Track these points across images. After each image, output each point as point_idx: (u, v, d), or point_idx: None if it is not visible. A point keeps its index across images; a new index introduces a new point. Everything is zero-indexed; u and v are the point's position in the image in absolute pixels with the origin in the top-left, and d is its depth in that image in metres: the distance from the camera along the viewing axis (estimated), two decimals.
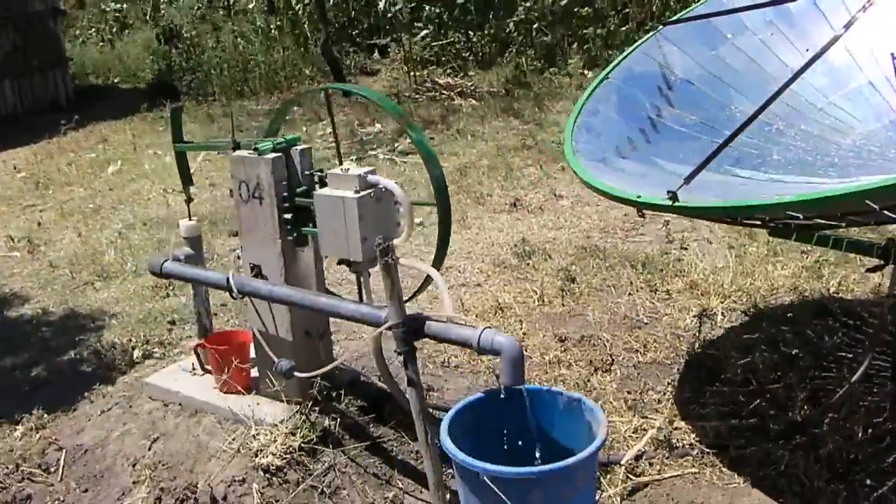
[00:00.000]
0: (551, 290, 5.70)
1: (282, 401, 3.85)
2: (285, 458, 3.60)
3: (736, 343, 4.85)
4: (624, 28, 11.65)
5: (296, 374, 3.60)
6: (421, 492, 3.67)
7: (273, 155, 3.61)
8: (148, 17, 15.23)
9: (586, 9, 11.97)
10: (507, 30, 12.17)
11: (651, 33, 4.85)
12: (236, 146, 3.74)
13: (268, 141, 3.66)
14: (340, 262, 3.68)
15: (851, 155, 4.22)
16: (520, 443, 3.16)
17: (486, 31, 12.49)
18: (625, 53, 4.80)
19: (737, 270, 5.75)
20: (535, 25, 11.96)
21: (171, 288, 6.04)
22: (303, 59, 12.97)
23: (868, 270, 4.10)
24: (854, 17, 3.52)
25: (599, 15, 12.10)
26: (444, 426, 3.06)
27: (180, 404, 4.08)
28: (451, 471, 3.36)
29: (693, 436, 4.02)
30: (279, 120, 4.17)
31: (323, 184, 3.66)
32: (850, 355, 4.58)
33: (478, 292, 5.82)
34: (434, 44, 12.47)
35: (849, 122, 4.39)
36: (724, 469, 3.81)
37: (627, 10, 11.96)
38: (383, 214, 3.52)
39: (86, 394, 4.51)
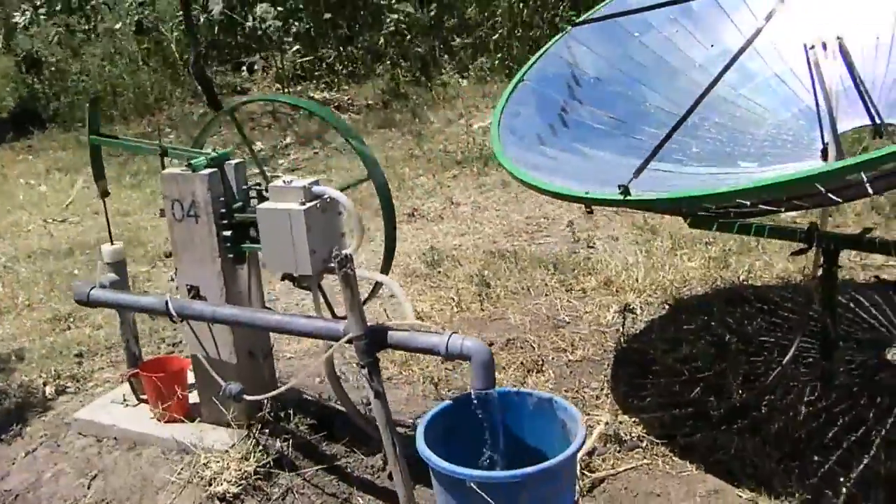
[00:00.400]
0: (468, 296, 5.70)
1: (227, 426, 3.70)
2: (240, 485, 3.45)
3: (661, 335, 4.95)
4: (495, 37, 11.81)
5: (245, 397, 3.46)
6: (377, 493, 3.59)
7: (208, 171, 3.47)
8: (2, 46, 14.52)
9: (454, 20, 12.11)
10: (379, 42, 12.16)
11: (560, 34, 4.91)
12: (164, 152, 3.58)
13: (201, 156, 3.51)
14: (284, 278, 3.56)
15: (767, 144, 4.37)
16: (492, 446, 3.11)
17: (357, 45, 12.45)
18: (537, 55, 4.83)
19: (647, 265, 5.87)
20: (407, 37, 11.99)
21: (71, 320, 5.75)
22: (172, 80, 12.62)
23: (793, 254, 4.24)
24: (773, 11, 3.63)
25: (467, 24, 12.24)
26: (419, 437, 2.99)
27: (116, 438, 3.86)
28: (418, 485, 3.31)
29: (640, 428, 4.07)
30: (205, 135, 4.01)
31: (261, 198, 3.54)
32: (772, 339, 4.75)
33: (394, 303, 5.75)
34: (304, 59, 12.35)
35: (760, 112, 4.55)
36: (675, 458, 3.86)
37: (497, 19, 12.12)
38: (329, 225, 3.43)
39: (2, 437, 4.23)
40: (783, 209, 3.27)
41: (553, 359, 4.85)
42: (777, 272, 5.62)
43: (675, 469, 3.81)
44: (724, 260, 5.88)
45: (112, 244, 3.93)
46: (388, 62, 12.07)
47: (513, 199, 7.63)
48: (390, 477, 3.38)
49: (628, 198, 3.24)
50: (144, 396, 3.96)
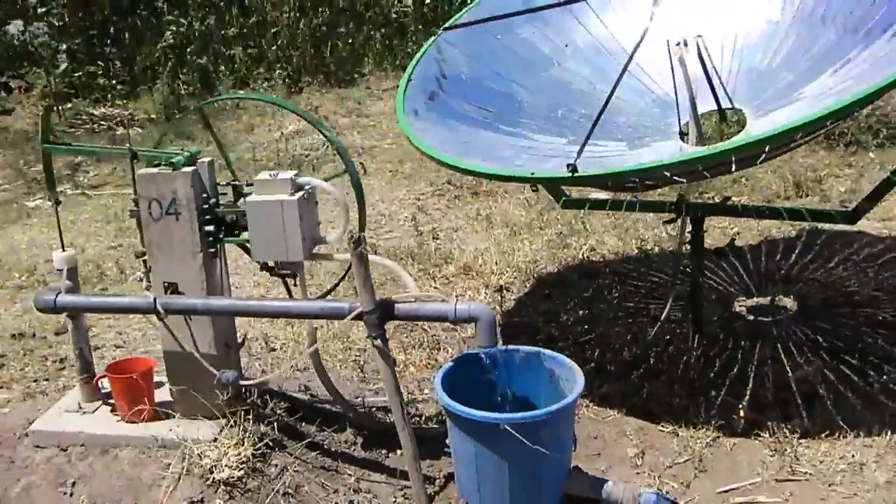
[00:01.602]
0: (340, 292, 5.97)
1: (208, 418, 3.81)
2: (241, 468, 3.59)
3: (537, 309, 5.48)
4: (274, 47, 12.05)
5: (241, 382, 3.62)
6: (369, 474, 3.86)
7: (189, 168, 3.59)
8: None
9: (232, 29, 12.22)
10: (157, 55, 12.00)
11: (433, 38, 5.33)
12: (134, 155, 3.66)
13: (178, 154, 3.62)
14: (263, 268, 3.75)
15: (630, 130, 5.03)
16: (496, 396, 3.50)
17: (133, 59, 12.21)
18: (417, 57, 5.22)
19: (498, 251, 6.41)
20: (188, 49, 11.93)
21: None
22: None
23: (665, 223, 4.92)
24: (653, 12, 4.27)
25: (245, 36, 12.41)
26: (441, 393, 3.33)
27: (83, 445, 3.83)
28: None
29: None
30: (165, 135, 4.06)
31: (237, 193, 3.72)
32: (633, 303, 5.43)
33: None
34: (75, 76, 11.94)
35: (618, 104, 5.20)
36: (597, 407, 4.40)
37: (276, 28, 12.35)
38: (312, 214, 3.67)
39: None
40: (685, 181, 3.87)
41: (447, 338, 5.24)
42: (610, 248, 6.33)
43: (599, 416, 4.34)
44: (562, 241, 6.53)
45: (63, 250, 3.89)
46: (165, 76, 11.91)
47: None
48: (363, 447, 3.72)
49: (576, 175, 3.72)
50: (100, 401, 3.96)
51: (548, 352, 3.58)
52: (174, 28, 11.88)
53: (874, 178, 6.53)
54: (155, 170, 3.61)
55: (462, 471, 3.44)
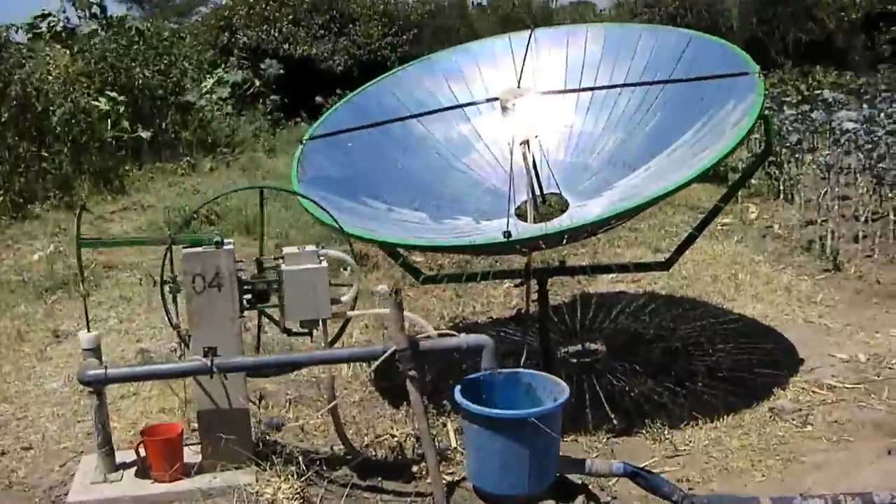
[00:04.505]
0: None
1: (231, 468, 4.34)
2: (296, 499, 4.18)
3: None
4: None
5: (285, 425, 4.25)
6: (383, 487, 4.58)
7: (229, 246, 4.23)
8: None
9: None
10: None
11: (300, 147, 6.23)
12: (173, 241, 4.22)
13: (215, 235, 4.24)
14: (284, 331, 4.44)
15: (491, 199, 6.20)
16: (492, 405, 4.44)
17: None
18: (294, 165, 6.06)
19: None
20: None
21: None
22: None
23: (516, 285, 6.11)
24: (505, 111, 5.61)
25: None
26: (463, 402, 4.22)
27: None
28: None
29: None
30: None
31: (259, 267, 4.40)
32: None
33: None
34: None
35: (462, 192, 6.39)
36: None
37: None
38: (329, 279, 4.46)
39: None
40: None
41: None
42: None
43: None
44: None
45: (88, 331, 4.25)
46: None
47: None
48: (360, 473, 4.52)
49: (510, 240, 4.86)
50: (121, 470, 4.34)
51: (524, 371, 4.63)
52: None
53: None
54: (199, 249, 4.20)
55: (486, 465, 4.32)
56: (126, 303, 7.98)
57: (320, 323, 4.42)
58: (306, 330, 4.45)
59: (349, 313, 4.55)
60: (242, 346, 4.38)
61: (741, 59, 5.66)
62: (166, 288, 4.30)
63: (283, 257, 4.35)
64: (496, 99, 5.92)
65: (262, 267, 4.40)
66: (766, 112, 5.16)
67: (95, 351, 4.30)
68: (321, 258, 4.39)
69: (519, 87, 5.92)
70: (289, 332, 4.45)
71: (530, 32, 6.51)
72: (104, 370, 4.14)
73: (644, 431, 5.28)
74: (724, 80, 5.58)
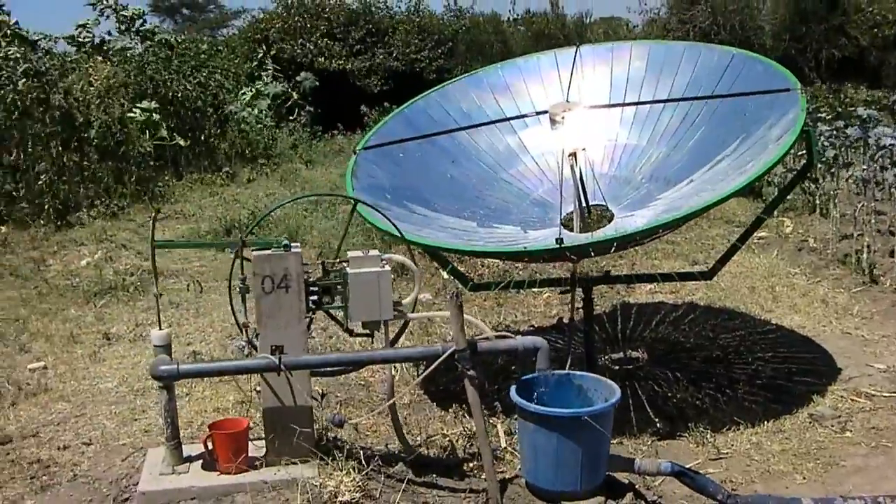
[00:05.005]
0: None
1: (293, 462, 4.54)
2: (358, 492, 4.38)
3: None
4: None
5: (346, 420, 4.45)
6: (438, 484, 4.76)
7: (297, 249, 4.45)
8: None
9: None
10: None
11: (353, 157, 6.45)
12: (244, 244, 4.44)
13: (283, 239, 4.46)
14: (345, 330, 4.65)
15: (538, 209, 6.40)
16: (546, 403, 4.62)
17: None
18: (348, 174, 6.29)
19: None
20: None
21: None
22: None
23: (561, 293, 6.29)
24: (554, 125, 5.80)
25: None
26: (519, 401, 4.41)
27: (193, 498, 4.37)
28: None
29: None
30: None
31: (324, 271, 4.61)
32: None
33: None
34: None
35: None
36: None
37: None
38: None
39: None
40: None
41: None
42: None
43: None
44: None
45: (160, 329, 4.48)
46: None
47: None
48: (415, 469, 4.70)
49: (563, 246, 5.04)
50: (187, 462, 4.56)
51: (576, 373, 4.81)
52: None
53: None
54: (269, 251, 4.42)
55: (540, 462, 4.50)
56: (174, 308, 8.23)
57: (382, 324, 4.62)
58: (368, 331, 4.65)
59: (410, 315, 4.75)
60: (308, 345, 4.59)
61: (782, 75, 5.84)
62: (235, 289, 4.52)
63: (347, 261, 4.56)
64: (545, 112, 6.13)
65: (327, 270, 4.61)
66: (807, 127, 5.32)
67: (166, 348, 4.52)
68: (384, 262, 4.60)
69: (567, 101, 6.12)
70: (351, 333, 4.66)
71: (576, 49, 6.72)
72: (176, 365, 4.36)
73: (687, 435, 5.43)
74: (766, 96, 5.76)
